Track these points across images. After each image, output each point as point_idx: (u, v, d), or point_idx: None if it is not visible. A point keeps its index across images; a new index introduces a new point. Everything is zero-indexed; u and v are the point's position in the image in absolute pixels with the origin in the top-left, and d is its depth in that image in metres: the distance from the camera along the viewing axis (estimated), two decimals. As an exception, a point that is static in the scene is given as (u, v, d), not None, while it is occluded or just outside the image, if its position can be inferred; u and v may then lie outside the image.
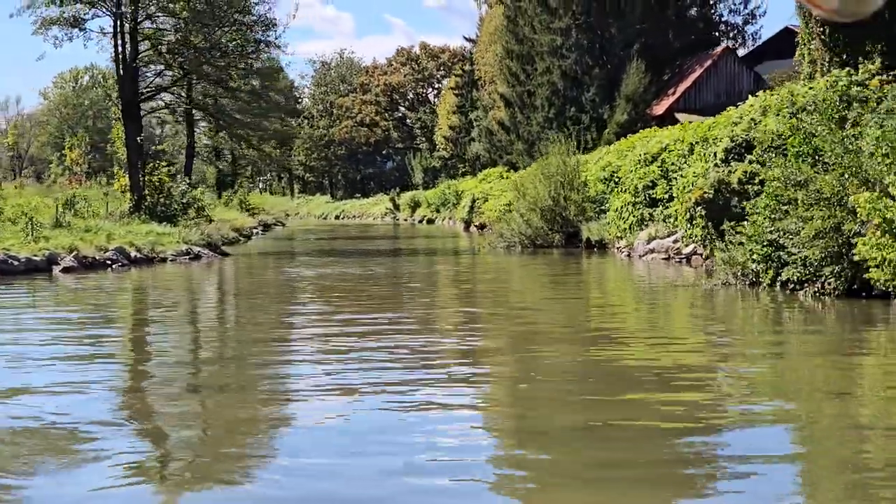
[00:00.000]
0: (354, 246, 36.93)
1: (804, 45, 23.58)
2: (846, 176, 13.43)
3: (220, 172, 71.08)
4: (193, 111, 40.45)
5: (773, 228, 14.78)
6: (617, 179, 27.77)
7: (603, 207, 28.67)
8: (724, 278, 16.23)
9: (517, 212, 30.50)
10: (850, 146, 13.55)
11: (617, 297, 17.35)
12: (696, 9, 49.78)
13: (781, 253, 14.76)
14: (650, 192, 24.86)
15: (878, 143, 13.01)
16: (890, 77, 18.29)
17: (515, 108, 53.46)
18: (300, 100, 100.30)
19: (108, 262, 24.49)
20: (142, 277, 22.07)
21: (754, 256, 15.31)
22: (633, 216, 25.64)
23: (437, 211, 64.00)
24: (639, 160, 25.93)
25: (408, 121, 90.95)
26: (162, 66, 34.16)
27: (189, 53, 33.13)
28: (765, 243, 15.00)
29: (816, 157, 14.85)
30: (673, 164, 24.01)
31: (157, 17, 33.19)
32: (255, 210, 59.20)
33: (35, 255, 22.62)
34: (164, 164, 33.91)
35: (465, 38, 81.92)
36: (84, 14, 31.72)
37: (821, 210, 13.91)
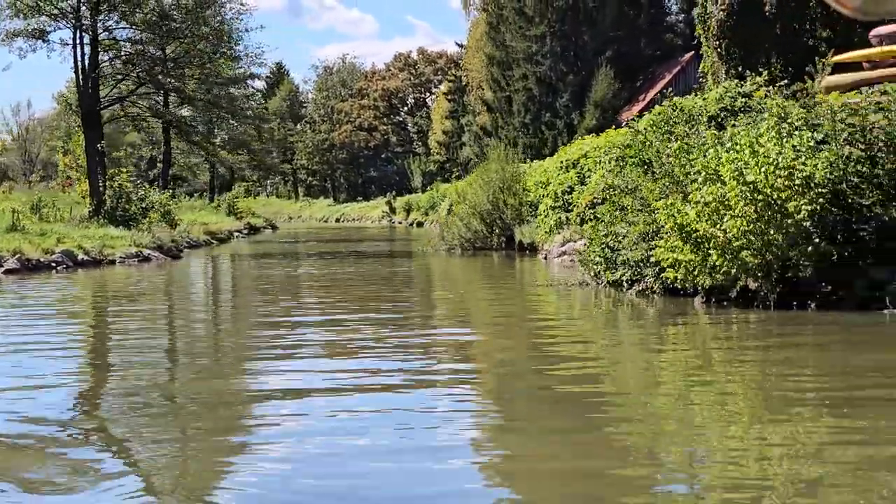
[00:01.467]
0: (320, 248, 38.81)
1: (707, 57, 25.27)
2: (668, 184, 15.18)
3: (213, 178, 73.19)
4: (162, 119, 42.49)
5: (606, 232, 16.55)
6: (545, 185, 29.51)
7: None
8: (581, 278, 18.00)
9: (457, 216, 32.26)
10: (675, 159, 15.28)
11: (485, 292, 19.16)
12: (670, 17, 51.50)
13: (615, 255, 16.53)
14: (567, 196, 26.60)
15: (677, 154, 14.77)
16: (774, 88, 19.94)
17: (497, 114, 55.21)
18: (305, 104, 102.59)
19: (53, 264, 26.36)
20: (76, 279, 23.96)
21: (595, 258, 17.08)
22: (553, 220, 27.35)
23: (426, 214, 65.91)
24: (560, 166, 27.68)
25: (408, 125, 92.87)
26: (120, 76, 36.21)
27: (145, 64, 35.30)
28: (602, 245, 16.77)
29: (648, 168, 16.61)
30: (589, 170, 25.76)
31: (115, 29, 35.38)
32: (242, 213, 61.19)
33: (-22, 258, 24.58)
34: (125, 170, 36.01)
35: (456, 43, 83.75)
36: (47, 26, 33.92)
37: (644, 215, 15.68)
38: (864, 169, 13.54)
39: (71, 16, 33.87)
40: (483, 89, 59.01)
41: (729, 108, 18.43)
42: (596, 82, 46.12)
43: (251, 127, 54.93)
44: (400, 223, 73.88)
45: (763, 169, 13.42)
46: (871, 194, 13.48)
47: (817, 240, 13.24)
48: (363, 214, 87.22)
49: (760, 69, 22.51)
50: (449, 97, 72.60)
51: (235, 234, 52.68)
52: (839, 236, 13.48)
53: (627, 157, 17.39)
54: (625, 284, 16.31)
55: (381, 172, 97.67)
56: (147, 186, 40.19)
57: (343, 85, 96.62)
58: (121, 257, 29.22)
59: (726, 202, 13.60)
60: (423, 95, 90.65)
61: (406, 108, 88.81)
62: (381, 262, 30.15)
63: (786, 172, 13.35)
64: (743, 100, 19.30)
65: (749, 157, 13.67)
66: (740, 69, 23.80)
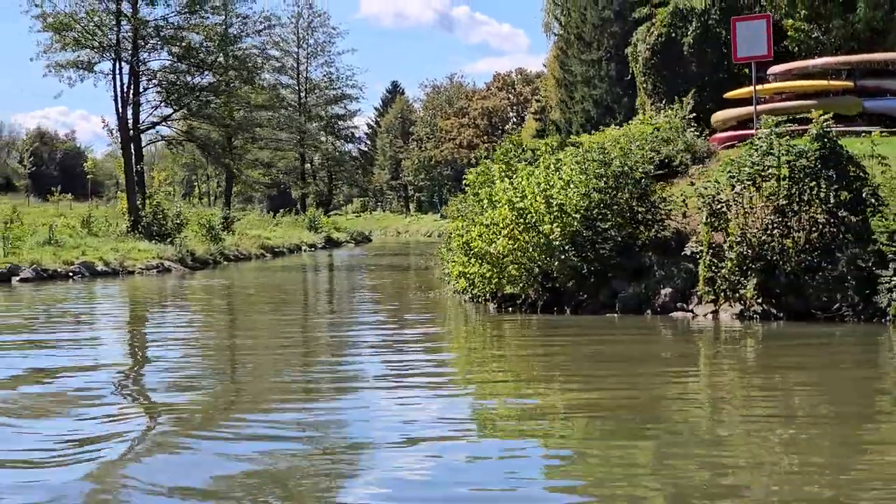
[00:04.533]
0: (378, 261, 43.01)
1: (639, 91, 29.01)
2: (465, 208, 19.25)
3: (304, 195, 78.84)
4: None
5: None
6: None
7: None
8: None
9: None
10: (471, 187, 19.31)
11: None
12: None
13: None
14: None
15: (473, 183, 18.85)
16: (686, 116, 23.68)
17: (563, 134, 59.03)
18: (414, 123, 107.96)
19: (70, 273, 31.45)
20: (82, 288, 28.86)
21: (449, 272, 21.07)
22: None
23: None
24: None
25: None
26: (158, 103, 41.84)
27: (178, 91, 40.87)
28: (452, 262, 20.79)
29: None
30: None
31: (150, 61, 41.11)
32: (321, 228, 66.48)
33: (-3, 267, 29.81)
34: (161, 189, 41.53)
35: (543, 65, 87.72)
36: (93, 58, 39.69)
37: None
38: (606, 198, 17.34)
39: (111, 49, 39.51)
40: (552, 110, 62.93)
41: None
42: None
43: (271, 149, 60.81)
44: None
45: (529, 197, 17.40)
46: (609, 219, 17.27)
47: (563, 256, 17.10)
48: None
49: (675, 103, 26.28)
50: (536, 117, 76.52)
51: (307, 247, 57.77)
52: (588, 253, 17.29)
53: (473, 185, 21.15)
54: (465, 293, 20.25)
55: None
56: (200, 204, 45.59)
57: (449, 104, 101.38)
58: (140, 268, 34.20)
59: (499, 224, 17.60)
60: (521, 114, 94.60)
61: (508, 126, 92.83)
62: (393, 272, 34.27)
63: (544, 199, 17.29)
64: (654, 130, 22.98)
65: (524, 188, 17.68)
66: (663, 102, 27.48)
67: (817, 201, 15.46)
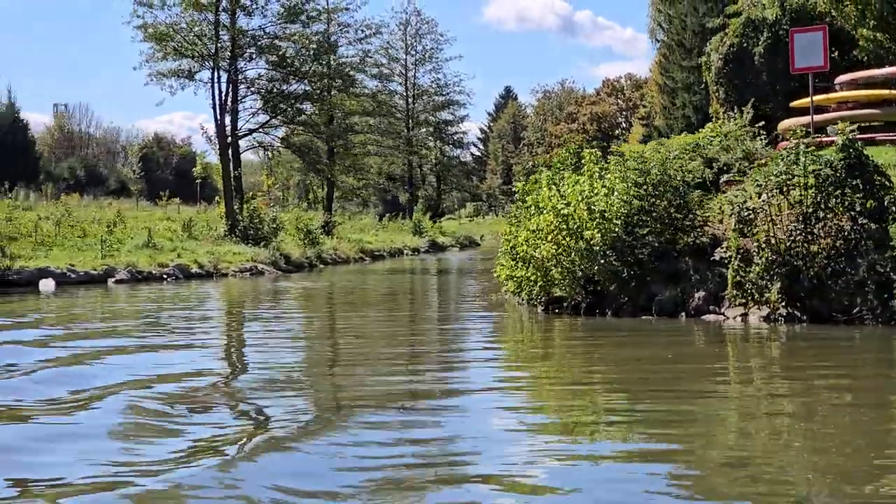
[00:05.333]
0: (472, 265, 44.19)
1: (712, 99, 29.80)
2: (516, 215, 20.42)
3: (411, 200, 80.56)
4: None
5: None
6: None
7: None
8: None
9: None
10: (520, 194, 20.46)
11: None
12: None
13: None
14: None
15: (521, 191, 19.99)
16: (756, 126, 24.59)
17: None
18: (525, 128, 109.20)
19: (165, 276, 33.34)
20: (177, 289, 30.67)
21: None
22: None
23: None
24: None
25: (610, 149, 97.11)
26: (255, 110, 43.80)
27: (274, 99, 42.83)
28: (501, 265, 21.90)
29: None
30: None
31: (246, 69, 43.15)
32: (426, 232, 68.17)
33: (94, 269, 31.76)
34: (259, 193, 43.47)
35: (649, 70, 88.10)
36: (193, 68, 41.81)
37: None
38: (645, 205, 18.34)
39: (210, 58, 41.56)
40: (656, 116, 63.59)
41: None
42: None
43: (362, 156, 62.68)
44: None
45: (573, 204, 18.52)
46: (647, 225, 18.28)
47: (603, 261, 18.17)
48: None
49: (746, 110, 27.05)
50: (643, 122, 77.14)
51: (410, 251, 59.52)
52: (628, 258, 18.32)
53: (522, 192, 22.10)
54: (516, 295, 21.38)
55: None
56: (301, 208, 47.55)
57: (559, 108, 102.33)
58: (234, 271, 36.00)
59: (544, 230, 18.74)
60: (630, 120, 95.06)
61: (618, 132, 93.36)
62: (473, 275, 35.52)
63: (586, 206, 18.39)
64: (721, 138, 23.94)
65: (569, 195, 18.80)
66: (735, 110, 28.25)
67: (841, 209, 16.27)
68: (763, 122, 24.73)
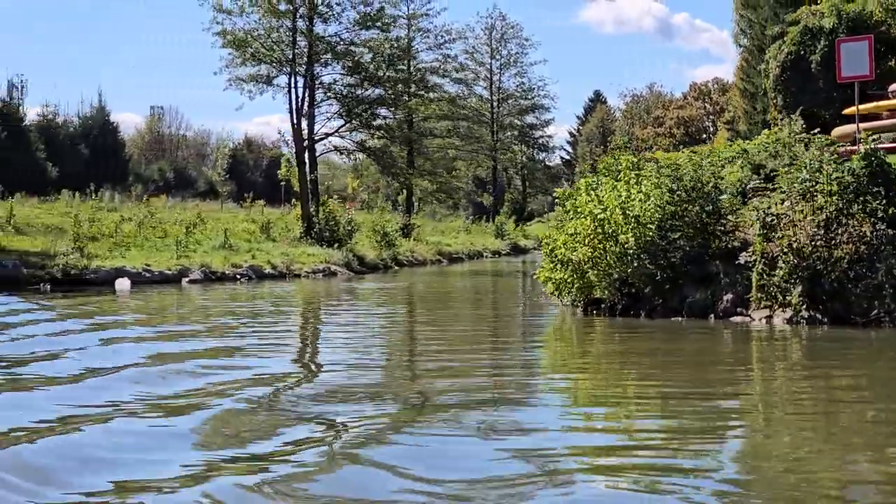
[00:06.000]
0: (525, 269, 45.29)
1: (771, 105, 30.38)
2: (558, 219, 21.37)
3: (496, 202, 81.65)
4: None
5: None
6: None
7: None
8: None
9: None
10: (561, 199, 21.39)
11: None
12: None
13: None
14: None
15: (561, 196, 20.93)
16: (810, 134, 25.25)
17: (746, 146, 59.96)
18: (613, 132, 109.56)
19: (238, 276, 34.71)
20: (242, 289, 32.01)
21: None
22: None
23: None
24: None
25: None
26: (331, 115, 45.34)
27: (349, 104, 44.32)
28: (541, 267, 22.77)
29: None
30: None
31: (322, 75, 44.65)
32: (508, 235, 69.25)
33: (169, 270, 33.24)
34: (345, 195, 45.00)
35: (733, 74, 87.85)
36: (271, 73, 43.44)
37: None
38: (678, 210, 19.17)
39: (288, 64, 43.15)
40: (739, 120, 63.76)
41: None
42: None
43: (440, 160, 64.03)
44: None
45: (609, 209, 19.44)
46: (680, 230, 19.11)
47: (637, 264, 19.05)
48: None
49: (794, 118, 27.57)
50: (727, 127, 77.13)
51: (490, 254, 60.72)
52: (661, 261, 19.17)
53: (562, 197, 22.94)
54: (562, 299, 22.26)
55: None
56: (383, 211, 49.00)
57: (647, 112, 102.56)
58: (306, 272, 37.30)
59: (581, 234, 19.68)
60: (716, 124, 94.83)
61: (704, 136, 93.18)
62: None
63: (621, 211, 19.29)
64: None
65: (607, 200, 19.71)
66: (792, 115, 28.85)
67: (862, 215, 16.96)
68: (819, 129, 25.30)
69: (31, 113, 68.76)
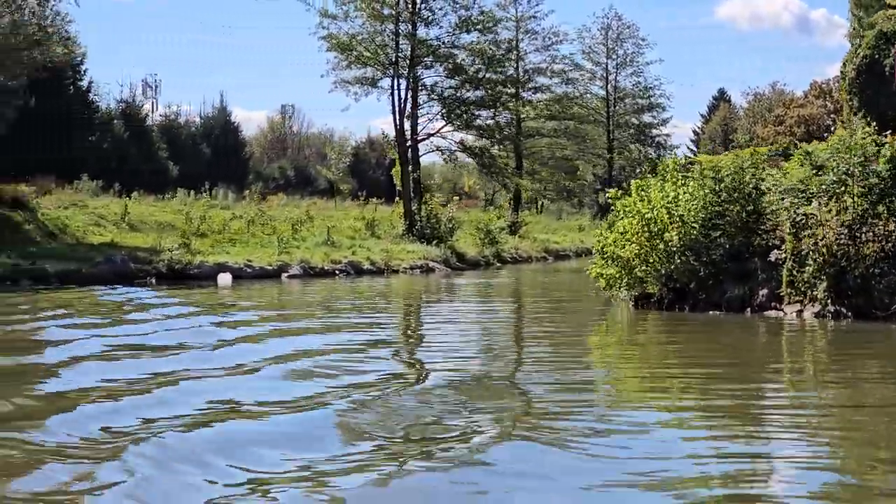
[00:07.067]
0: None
1: (846, 107, 31.18)
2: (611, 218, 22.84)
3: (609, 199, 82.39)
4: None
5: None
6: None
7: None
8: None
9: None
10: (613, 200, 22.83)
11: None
12: None
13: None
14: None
15: (613, 197, 22.37)
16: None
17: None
18: (735, 130, 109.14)
19: (337, 272, 36.59)
20: (343, 284, 33.90)
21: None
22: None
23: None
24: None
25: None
26: (433, 116, 47.32)
27: (450, 105, 46.26)
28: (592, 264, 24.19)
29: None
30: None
31: (423, 77, 46.65)
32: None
33: (269, 265, 35.34)
34: (437, 195, 46.86)
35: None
36: (376, 76, 45.60)
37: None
38: (718, 210, 20.50)
39: (391, 66, 45.24)
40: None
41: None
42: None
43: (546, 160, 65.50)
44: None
45: (656, 208, 20.88)
46: (721, 228, 20.44)
47: (679, 260, 20.46)
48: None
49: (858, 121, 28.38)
50: (844, 126, 76.80)
51: (598, 251, 62.02)
52: (704, 258, 20.53)
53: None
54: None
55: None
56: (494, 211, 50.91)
57: (769, 111, 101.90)
58: (404, 268, 39.05)
59: (629, 232, 21.15)
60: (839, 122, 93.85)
61: (826, 135, 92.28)
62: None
63: (666, 211, 20.71)
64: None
65: (654, 200, 21.16)
66: (867, 120, 29.66)
67: (887, 215, 18.13)
68: (891, 131, 26.16)
69: (155, 113, 72.25)
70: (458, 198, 67.49)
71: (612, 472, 7.70)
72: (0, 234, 33.50)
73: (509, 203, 68.29)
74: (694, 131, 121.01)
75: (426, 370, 13.61)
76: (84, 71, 53.19)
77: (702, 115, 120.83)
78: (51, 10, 32.63)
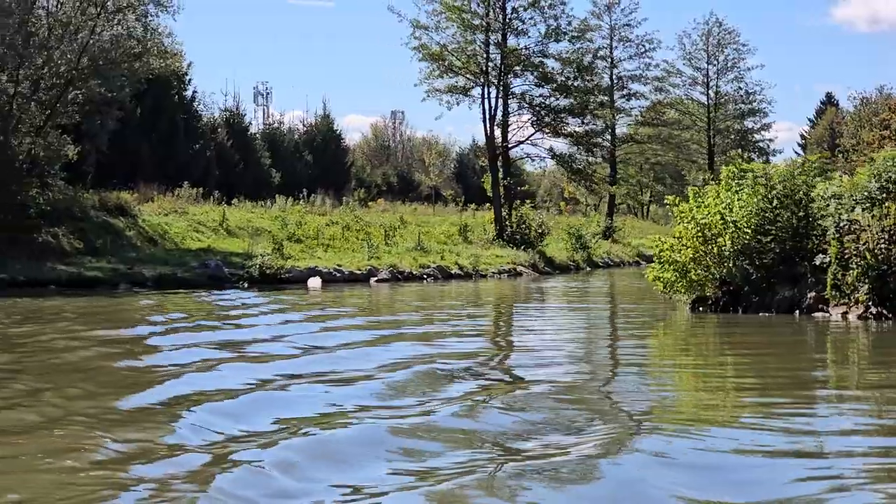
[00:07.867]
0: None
1: None
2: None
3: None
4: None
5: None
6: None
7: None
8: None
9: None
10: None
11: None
12: None
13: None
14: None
15: (671, 203, 23.37)
16: None
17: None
18: (841, 135, 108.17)
19: (425, 276, 37.95)
20: (432, 288, 35.24)
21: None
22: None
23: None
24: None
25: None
26: (522, 123, 48.51)
27: (539, 112, 47.47)
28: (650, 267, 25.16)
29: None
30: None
31: (513, 86, 47.90)
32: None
33: (358, 270, 36.83)
34: (528, 200, 48.14)
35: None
36: (467, 85, 47.01)
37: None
38: (770, 216, 21.42)
39: (482, 75, 46.62)
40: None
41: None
42: None
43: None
44: None
45: (710, 214, 21.90)
46: (771, 233, 21.35)
47: (732, 264, 21.44)
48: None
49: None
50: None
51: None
52: (756, 262, 21.48)
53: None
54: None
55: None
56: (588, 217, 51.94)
57: (875, 115, 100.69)
58: (492, 272, 40.34)
59: (684, 237, 22.18)
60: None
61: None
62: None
63: (719, 217, 21.71)
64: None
65: (710, 206, 22.17)
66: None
67: (925, 221, 18.94)
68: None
69: (258, 122, 74.43)
70: (564, 203, 68.60)
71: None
72: (103, 240, 35.45)
73: (629, 208, 69.09)
74: (801, 136, 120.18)
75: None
76: (189, 81, 55.08)
77: (809, 120, 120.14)
78: (148, 25, 34.43)
